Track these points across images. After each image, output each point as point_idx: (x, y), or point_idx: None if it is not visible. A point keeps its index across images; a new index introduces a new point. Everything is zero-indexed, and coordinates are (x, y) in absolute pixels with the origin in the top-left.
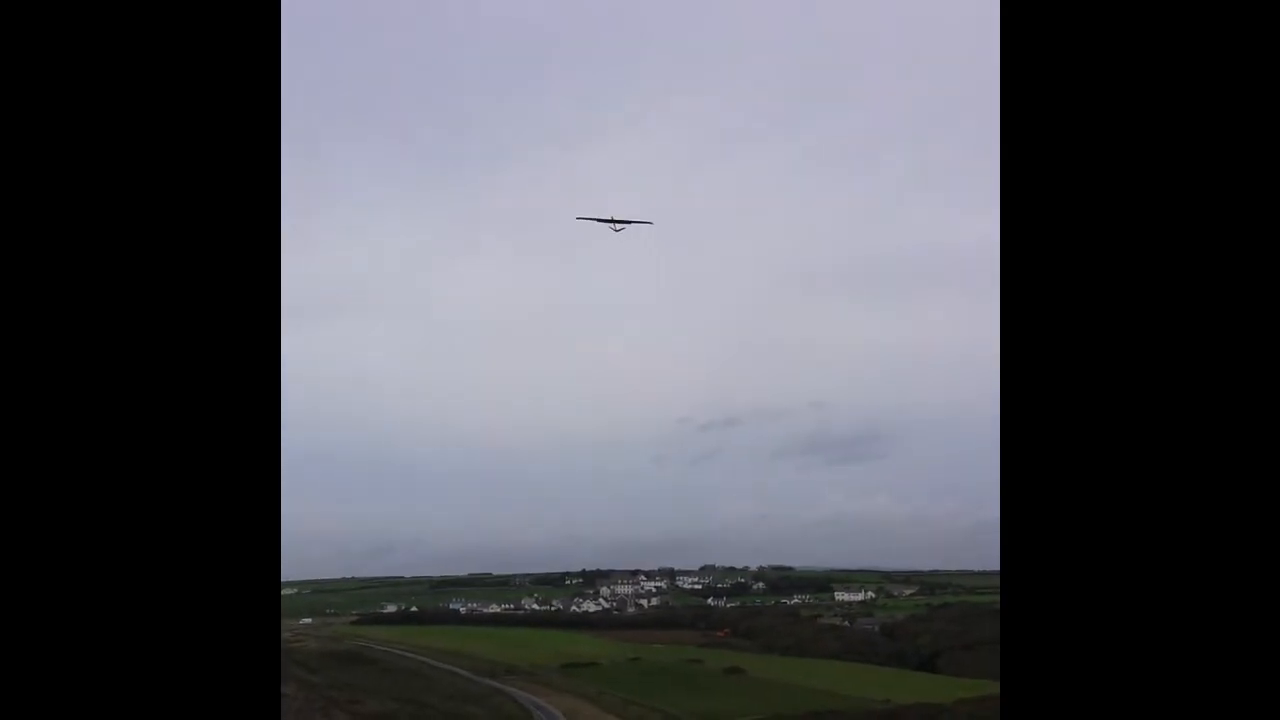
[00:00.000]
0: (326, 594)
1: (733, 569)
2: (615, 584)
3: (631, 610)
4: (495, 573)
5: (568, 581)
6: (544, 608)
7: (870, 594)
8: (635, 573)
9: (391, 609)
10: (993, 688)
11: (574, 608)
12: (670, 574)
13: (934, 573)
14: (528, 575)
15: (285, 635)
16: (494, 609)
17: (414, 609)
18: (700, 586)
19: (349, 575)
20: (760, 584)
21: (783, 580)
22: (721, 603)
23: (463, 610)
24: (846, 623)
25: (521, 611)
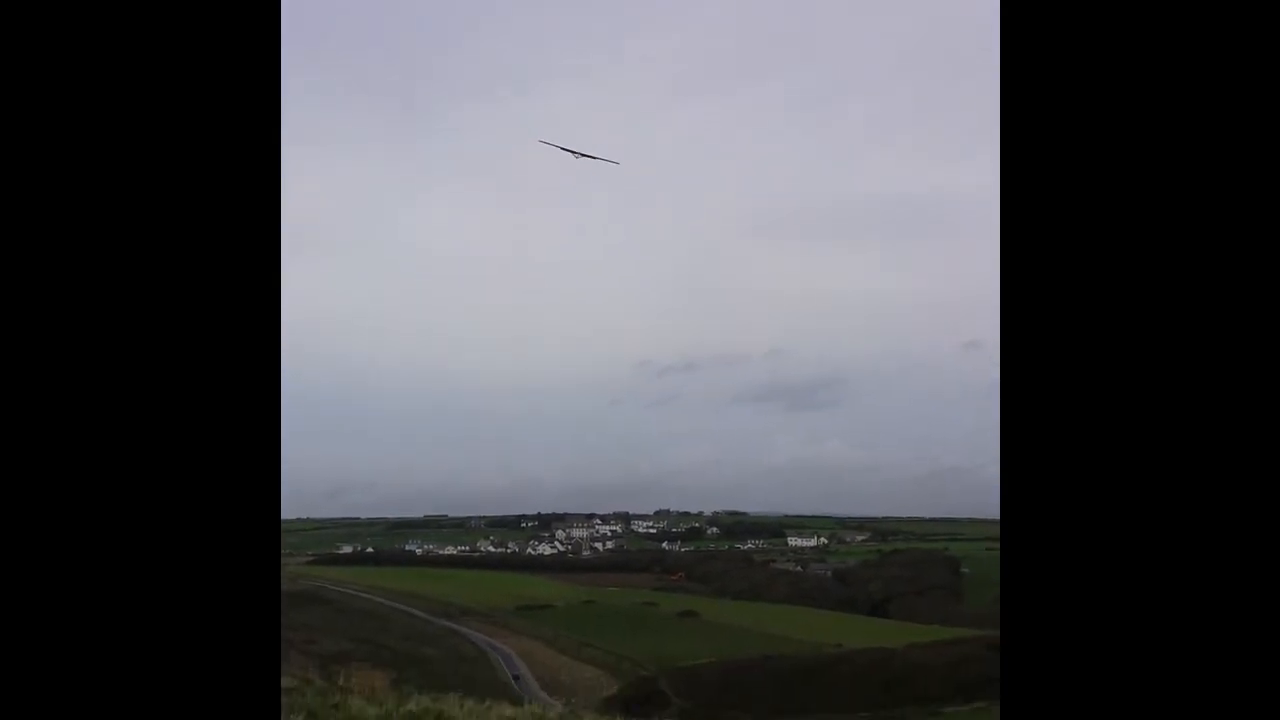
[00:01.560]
0: (282, 534)
1: (687, 514)
2: (570, 527)
3: (586, 554)
4: (451, 515)
5: (523, 525)
6: (499, 550)
7: (823, 540)
8: (590, 516)
9: (347, 550)
10: (943, 633)
11: (529, 550)
12: (625, 518)
13: (886, 519)
14: (483, 518)
15: None
16: (450, 551)
17: (370, 550)
18: (655, 531)
19: (305, 516)
20: (714, 529)
21: (737, 525)
22: (676, 547)
23: (418, 552)
24: (799, 568)
25: (477, 554)
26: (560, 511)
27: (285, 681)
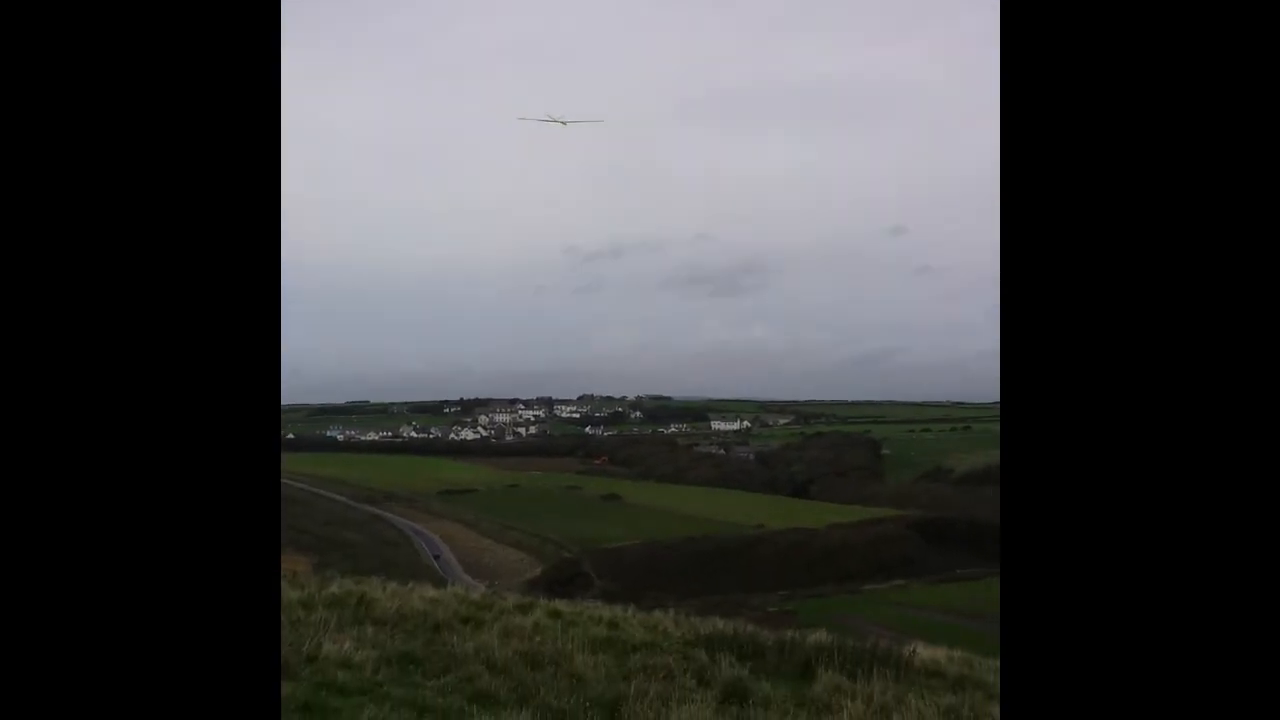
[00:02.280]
0: None
1: (611, 398)
2: (494, 413)
3: (510, 439)
4: (374, 401)
5: (446, 410)
6: (422, 436)
7: (746, 423)
8: (514, 402)
9: None
10: (863, 512)
11: (452, 436)
12: (549, 403)
13: (809, 403)
14: (406, 404)
15: None
16: (372, 437)
17: (291, 436)
18: (579, 415)
19: None
20: (638, 413)
21: (660, 410)
22: (599, 431)
23: (340, 438)
24: (722, 451)
25: (400, 439)
26: (484, 397)
27: None
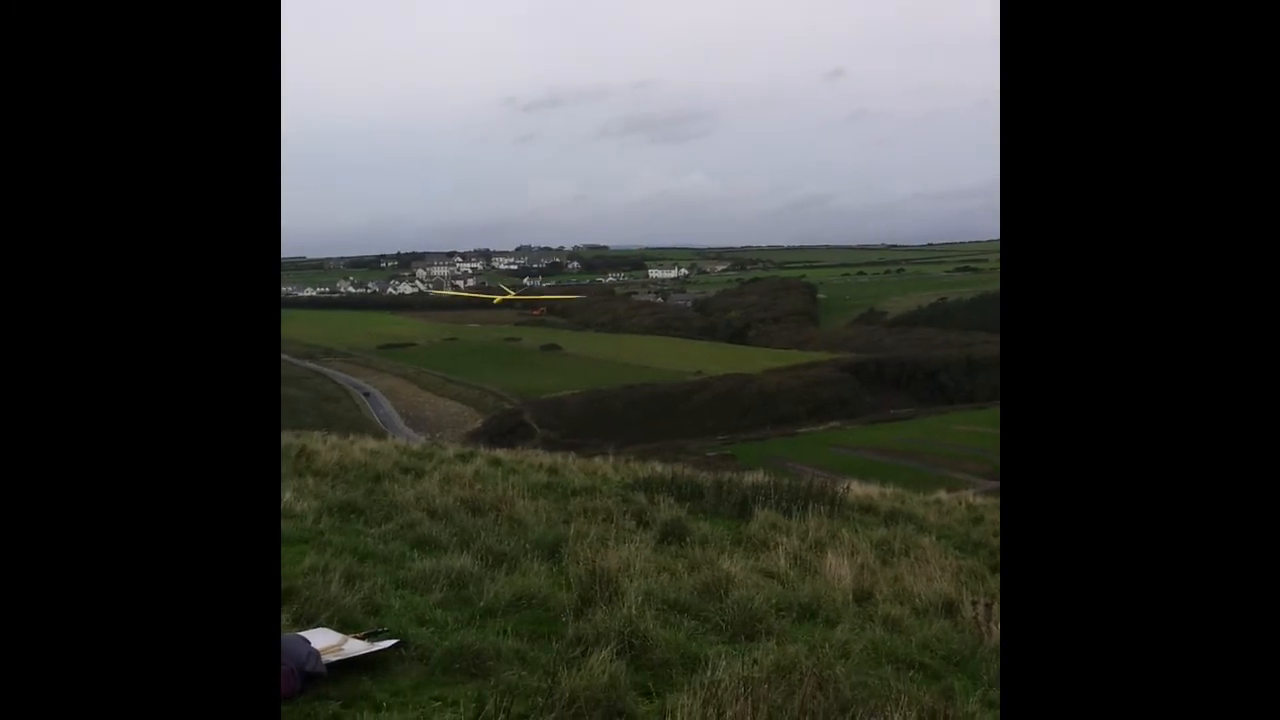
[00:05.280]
0: None
1: (549, 249)
2: (431, 266)
3: (448, 291)
4: (310, 256)
5: (383, 264)
6: (360, 290)
7: (683, 271)
8: (451, 254)
9: None
10: (799, 357)
11: (390, 290)
12: (486, 255)
13: (746, 249)
14: (342, 259)
15: None
16: (309, 293)
17: None
18: (516, 267)
19: None
20: (576, 263)
21: (598, 259)
22: (538, 282)
23: None
24: (660, 299)
25: (337, 294)
26: (420, 250)
27: None
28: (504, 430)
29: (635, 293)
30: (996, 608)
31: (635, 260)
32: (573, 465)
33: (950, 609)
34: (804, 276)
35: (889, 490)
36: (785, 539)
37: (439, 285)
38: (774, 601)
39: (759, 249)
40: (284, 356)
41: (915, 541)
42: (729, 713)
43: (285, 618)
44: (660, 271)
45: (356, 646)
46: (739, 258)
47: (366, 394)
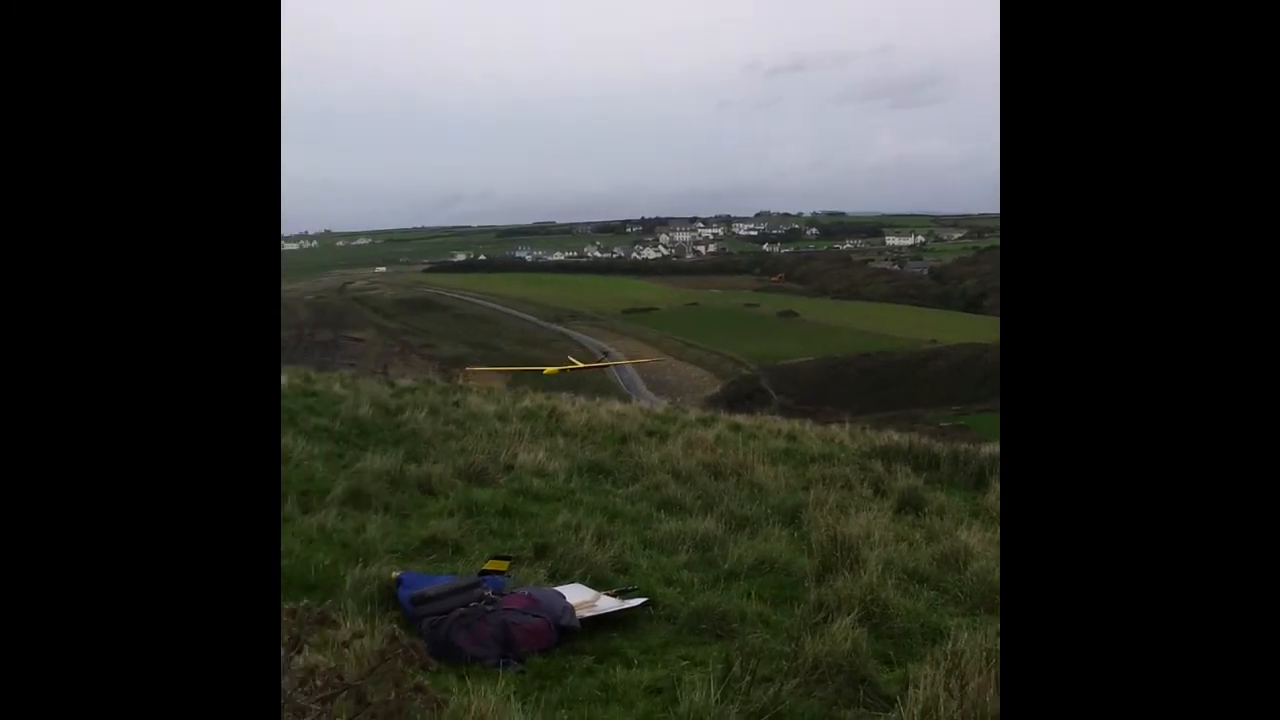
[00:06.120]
0: (397, 244)
1: (787, 215)
2: (673, 231)
3: (689, 257)
4: (559, 221)
5: (628, 229)
6: (605, 255)
7: (920, 238)
8: (693, 220)
9: (460, 258)
10: None
11: (634, 255)
12: (727, 221)
13: (983, 216)
14: (590, 224)
15: (361, 284)
16: (558, 257)
17: (481, 257)
18: (755, 233)
19: (418, 225)
20: (813, 230)
21: (835, 226)
22: (776, 249)
23: (528, 258)
24: (896, 266)
25: (584, 259)
26: (663, 216)
27: (407, 382)
28: (741, 396)
29: (871, 260)
30: None
31: (872, 227)
32: (810, 432)
33: None
34: None
35: None
36: None
37: (680, 251)
38: None
39: (995, 216)
40: (533, 319)
41: None
42: (972, 684)
43: (541, 573)
44: (897, 238)
45: (608, 604)
46: (975, 225)
47: (605, 353)
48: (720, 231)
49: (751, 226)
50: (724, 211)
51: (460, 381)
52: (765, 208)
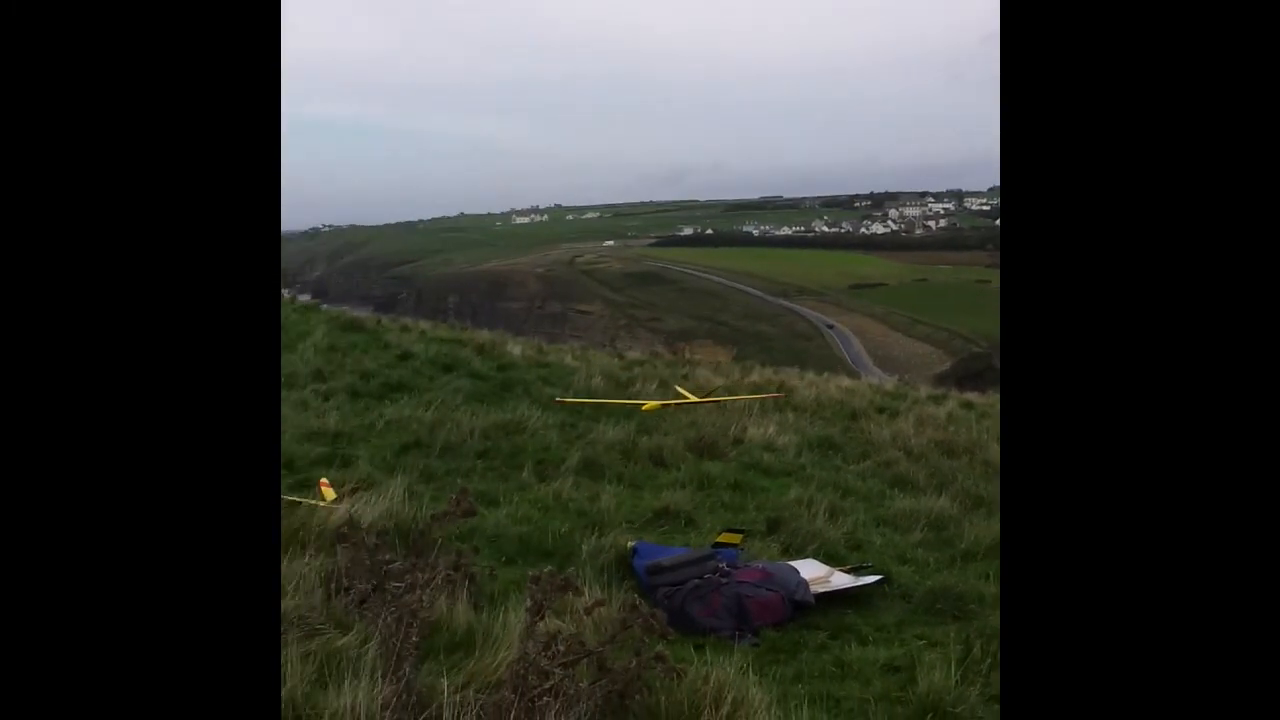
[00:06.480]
0: (625, 218)
1: None
2: (903, 206)
3: (919, 232)
4: (786, 196)
5: (856, 204)
6: (833, 230)
7: None
8: (923, 195)
9: (687, 232)
10: None
11: (862, 230)
12: (958, 195)
13: None
14: (817, 198)
15: (589, 257)
16: (785, 231)
17: (709, 232)
18: (988, 208)
19: (646, 200)
20: None
21: None
22: None
23: (755, 233)
24: None
25: (811, 234)
26: (893, 190)
27: (636, 355)
28: (971, 374)
29: None
30: None
31: None
32: None
33: None
34: None
35: None
36: None
37: (910, 226)
38: None
39: None
40: (759, 294)
41: None
42: None
43: (774, 547)
44: None
45: (842, 580)
46: None
47: (830, 326)
48: (951, 206)
49: (984, 202)
50: (956, 186)
51: (687, 355)
52: (998, 182)
